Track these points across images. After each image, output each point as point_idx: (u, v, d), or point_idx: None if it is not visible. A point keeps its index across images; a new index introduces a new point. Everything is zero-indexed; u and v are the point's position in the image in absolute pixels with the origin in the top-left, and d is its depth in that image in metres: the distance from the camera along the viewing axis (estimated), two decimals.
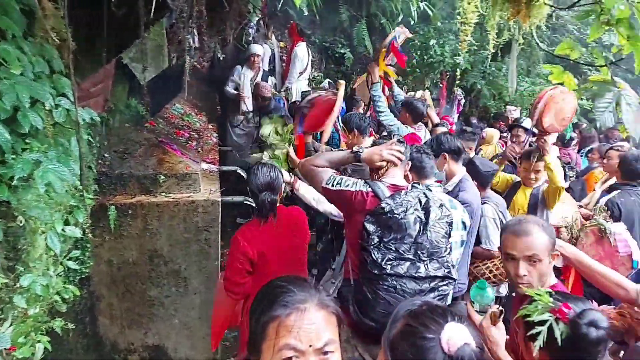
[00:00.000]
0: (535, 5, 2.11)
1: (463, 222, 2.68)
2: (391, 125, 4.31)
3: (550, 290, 1.67)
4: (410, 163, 2.58)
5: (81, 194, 2.73)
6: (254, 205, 4.15)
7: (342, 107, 6.15)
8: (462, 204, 2.76)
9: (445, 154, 3.06)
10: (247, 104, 6.13)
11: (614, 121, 1.93)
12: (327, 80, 7.67)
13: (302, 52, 6.73)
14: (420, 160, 2.80)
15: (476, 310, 1.91)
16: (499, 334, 1.74)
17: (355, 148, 2.44)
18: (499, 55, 8.36)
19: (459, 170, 3.10)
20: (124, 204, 3.50)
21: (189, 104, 6.14)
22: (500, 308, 1.77)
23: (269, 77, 6.70)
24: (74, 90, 2.30)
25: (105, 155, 3.69)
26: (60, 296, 2.80)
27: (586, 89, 2.04)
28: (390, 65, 4.68)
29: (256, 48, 6.11)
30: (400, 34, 4.29)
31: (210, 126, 6.16)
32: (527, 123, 5.12)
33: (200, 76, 7.57)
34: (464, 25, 2.09)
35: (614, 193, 3.98)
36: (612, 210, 3.73)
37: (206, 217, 3.68)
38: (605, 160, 4.72)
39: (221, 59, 6.63)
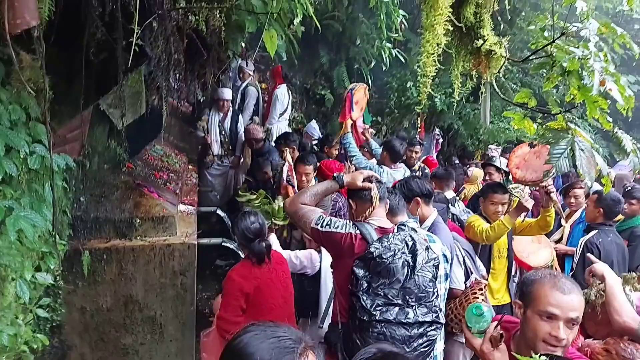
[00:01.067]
0: (493, 58, 2.25)
1: (444, 255, 2.68)
2: (363, 167, 4.43)
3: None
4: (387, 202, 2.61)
5: (54, 240, 2.70)
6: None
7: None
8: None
9: (418, 198, 3.10)
10: (215, 147, 6.19)
11: (569, 167, 2.03)
12: (314, 120, 7.83)
13: (283, 94, 6.91)
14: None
15: (474, 333, 1.79)
16: (501, 358, 1.65)
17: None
18: (473, 97, 8.68)
19: (431, 213, 3.16)
20: (98, 249, 3.46)
21: (169, 144, 6.18)
22: (501, 332, 1.69)
23: (253, 116, 6.84)
24: (49, 138, 2.32)
25: (81, 199, 3.67)
26: (29, 346, 2.72)
27: (543, 136, 2.15)
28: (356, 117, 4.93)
29: (226, 92, 6.16)
30: (355, 87, 4.59)
31: (190, 166, 6.19)
32: (499, 162, 5.30)
33: (182, 117, 7.67)
34: (423, 78, 2.20)
35: (592, 233, 4.07)
36: (591, 250, 3.81)
37: (183, 261, 3.64)
38: (572, 200, 4.86)
39: (201, 100, 6.78)
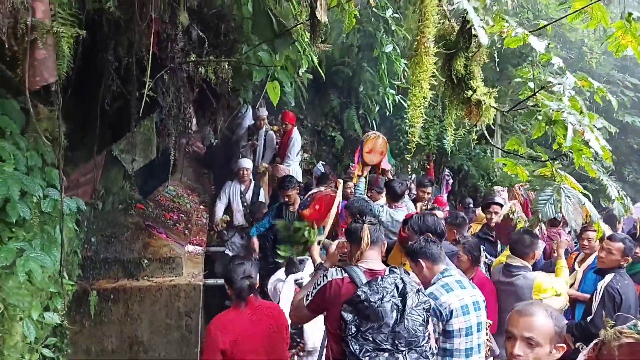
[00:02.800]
0: (483, 108, 2.34)
1: (477, 302, 2.66)
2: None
3: None
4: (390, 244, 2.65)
5: (61, 280, 2.80)
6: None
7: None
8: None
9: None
10: (238, 218, 5.84)
11: (555, 212, 2.06)
12: (321, 162, 7.99)
13: (298, 136, 7.12)
14: (427, 248, 2.74)
15: None
16: None
17: (318, 262, 2.55)
18: (484, 139, 8.76)
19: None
20: (106, 289, 3.54)
21: (182, 185, 6.36)
22: None
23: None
24: (61, 182, 2.46)
25: (92, 239, 3.80)
26: None
27: (531, 183, 2.19)
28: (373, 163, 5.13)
29: (245, 162, 6.04)
30: (366, 138, 4.78)
31: (202, 207, 6.33)
32: (500, 198, 5.32)
33: (196, 157, 7.91)
34: (411, 128, 2.30)
35: (609, 277, 3.97)
36: (613, 296, 3.72)
37: (188, 302, 3.70)
38: (585, 242, 4.79)
39: (214, 143, 7.00)
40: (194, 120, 5.72)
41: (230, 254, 5.30)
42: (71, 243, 3.29)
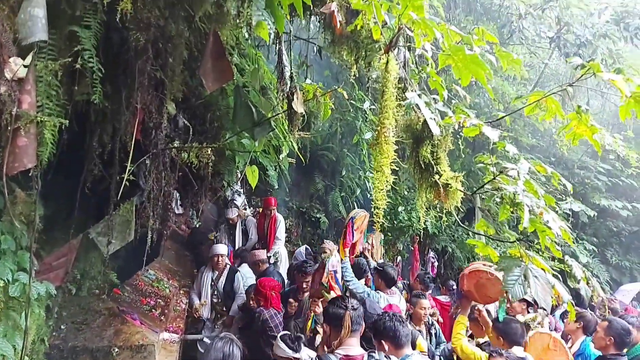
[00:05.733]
0: (450, 191, 2.45)
1: None
2: (360, 292, 4.40)
3: None
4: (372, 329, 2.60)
5: None
6: None
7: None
8: None
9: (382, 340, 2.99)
10: (205, 312, 5.36)
11: (524, 293, 2.09)
12: (305, 245, 7.98)
13: (282, 218, 7.20)
14: (394, 330, 2.66)
15: None
16: None
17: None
18: (467, 220, 8.91)
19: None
20: None
21: (163, 268, 6.23)
22: None
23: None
24: (31, 267, 2.44)
25: (62, 327, 3.65)
26: None
27: (497, 264, 2.26)
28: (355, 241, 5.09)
29: (219, 248, 5.55)
30: (357, 214, 4.80)
31: (182, 291, 6.15)
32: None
33: (179, 240, 7.85)
34: (376, 210, 2.39)
35: None
36: None
37: None
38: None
39: (197, 226, 7.01)
40: (178, 203, 5.78)
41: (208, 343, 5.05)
42: (39, 330, 3.16)
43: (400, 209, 8.31)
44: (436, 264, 8.98)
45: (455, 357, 3.91)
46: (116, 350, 3.60)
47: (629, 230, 11.21)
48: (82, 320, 3.85)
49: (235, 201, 6.78)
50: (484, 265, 3.48)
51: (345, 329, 2.46)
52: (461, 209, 7.07)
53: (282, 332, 3.34)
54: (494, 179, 2.25)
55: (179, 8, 2.92)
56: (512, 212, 2.31)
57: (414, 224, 8.25)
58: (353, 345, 2.45)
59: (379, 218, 2.34)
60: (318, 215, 9.14)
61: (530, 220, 2.14)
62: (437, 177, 2.51)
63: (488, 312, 3.97)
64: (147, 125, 3.27)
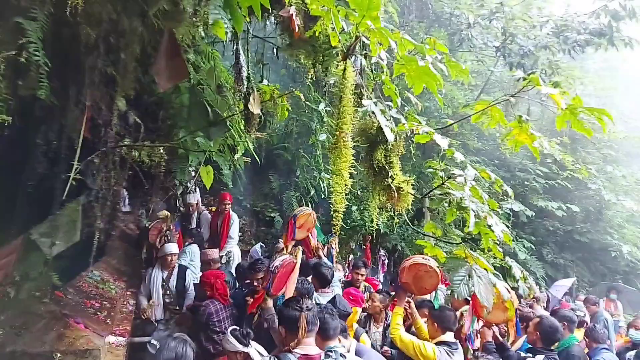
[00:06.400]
0: (402, 194, 2.56)
1: None
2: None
3: None
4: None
5: None
6: None
7: None
8: None
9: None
10: (157, 312, 5.23)
11: (469, 293, 2.22)
12: (260, 243, 7.96)
13: (236, 216, 7.10)
14: (323, 322, 2.74)
15: None
16: None
17: None
18: (416, 219, 9.21)
19: (350, 344, 3.15)
20: None
21: (109, 268, 6.00)
22: None
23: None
24: None
25: None
26: None
27: (445, 264, 2.39)
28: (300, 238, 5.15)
29: (171, 247, 5.37)
30: (299, 213, 4.88)
31: (128, 292, 5.95)
32: None
33: (128, 239, 7.58)
34: (335, 213, 2.45)
35: (540, 358, 4.15)
36: None
37: None
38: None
39: (147, 225, 6.80)
40: (126, 201, 5.58)
41: (157, 345, 4.91)
42: None
43: (353, 208, 8.47)
44: (386, 261, 9.22)
45: None
46: (59, 355, 3.44)
47: (563, 229, 12.00)
48: (21, 324, 3.65)
49: (189, 200, 6.63)
50: (423, 258, 3.66)
51: (302, 330, 2.50)
52: (411, 210, 7.31)
53: (231, 327, 3.32)
54: (443, 184, 2.38)
55: (133, 3, 2.84)
56: (458, 214, 2.44)
57: (366, 224, 8.44)
58: (310, 345, 2.49)
59: (338, 221, 2.40)
60: (272, 215, 9.14)
61: (475, 224, 2.27)
62: (390, 180, 2.60)
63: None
64: (96, 122, 3.16)
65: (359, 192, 8.87)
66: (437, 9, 9.88)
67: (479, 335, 4.21)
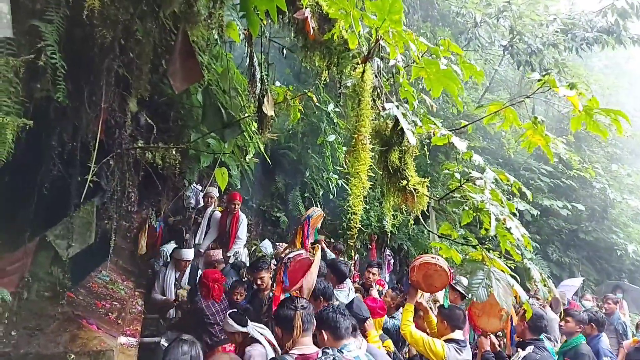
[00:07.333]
0: (417, 195, 2.55)
1: None
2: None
3: None
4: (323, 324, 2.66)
5: None
6: None
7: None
8: None
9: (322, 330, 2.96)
10: (172, 312, 5.53)
11: (487, 295, 2.22)
12: (267, 239, 7.99)
13: (244, 216, 7.11)
14: (335, 321, 2.73)
15: None
16: None
17: None
18: (422, 218, 9.20)
19: (360, 344, 3.15)
20: None
21: (117, 269, 6.01)
22: None
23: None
24: None
25: (12, 333, 3.45)
26: None
27: (462, 266, 2.39)
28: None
29: (189, 253, 5.70)
30: (314, 213, 4.88)
31: (137, 292, 5.97)
32: None
33: (134, 240, 7.60)
34: (353, 215, 2.45)
35: (529, 349, 4.16)
36: None
37: None
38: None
39: (157, 227, 6.83)
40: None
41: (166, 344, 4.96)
42: None
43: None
44: (392, 261, 9.23)
45: None
46: (73, 356, 3.45)
47: (568, 228, 11.98)
48: (34, 325, 3.66)
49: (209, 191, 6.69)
50: (432, 257, 3.72)
51: (297, 329, 2.52)
52: (416, 211, 7.32)
53: (230, 311, 3.54)
54: (460, 186, 2.37)
55: (147, 5, 2.84)
56: (475, 216, 2.44)
57: (372, 224, 8.44)
58: (307, 345, 2.51)
59: (356, 223, 2.40)
60: (278, 215, 9.14)
61: (495, 227, 2.27)
62: (405, 182, 2.60)
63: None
64: (110, 124, 3.16)
65: (366, 192, 8.87)
66: (444, 8, 9.85)
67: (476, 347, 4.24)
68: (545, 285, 2.31)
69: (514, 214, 2.46)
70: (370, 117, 2.32)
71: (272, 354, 3.06)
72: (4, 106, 2.28)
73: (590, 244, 12.05)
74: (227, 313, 3.44)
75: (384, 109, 2.35)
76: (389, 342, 4.18)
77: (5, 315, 3.41)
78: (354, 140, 2.29)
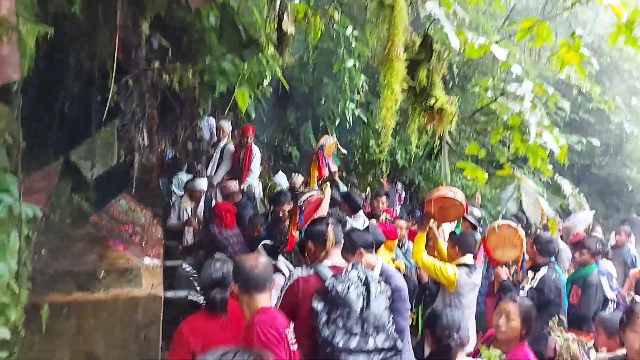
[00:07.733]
0: (445, 115, 2.50)
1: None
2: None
3: None
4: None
5: (14, 292, 2.63)
6: (197, 301, 4.10)
7: None
8: (395, 290, 2.86)
9: (360, 248, 3.09)
10: (188, 237, 5.74)
11: (517, 208, 2.23)
12: (280, 171, 8.04)
13: (257, 149, 7.11)
14: (351, 238, 2.96)
15: None
16: None
17: None
18: (434, 154, 9.15)
19: (377, 260, 3.24)
20: (58, 303, 3.34)
21: (135, 199, 6.13)
22: None
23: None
24: (20, 188, 2.35)
25: (42, 251, 3.59)
26: None
27: (493, 183, 2.38)
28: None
29: (202, 183, 5.97)
30: (327, 141, 4.81)
31: (155, 221, 6.12)
32: None
33: (149, 171, 7.67)
34: (384, 129, 2.42)
35: (544, 269, 4.26)
36: (550, 287, 4.05)
37: (147, 315, 3.55)
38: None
39: (170, 156, 6.85)
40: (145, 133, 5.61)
41: (188, 269, 5.16)
42: (22, 253, 3.10)
43: (371, 142, 8.41)
44: (403, 195, 9.31)
45: None
46: (102, 273, 3.60)
47: (581, 163, 11.90)
48: (60, 245, 3.80)
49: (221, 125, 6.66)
50: (450, 191, 3.75)
51: (330, 241, 2.61)
52: (430, 143, 7.23)
53: (263, 242, 3.69)
54: (495, 100, 2.31)
55: None
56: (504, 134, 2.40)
57: (385, 157, 8.41)
58: (338, 256, 2.61)
59: (387, 137, 2.38)
60: (290, 149, 9.10)
61: (523, 143, 2.23)
62: (432, 101, 2.53)
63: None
64: (126, 44, 3.07)
65: (377, 126, 8.76)
66: None
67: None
68: (576, 199, 2.31)
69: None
70: (405, 26, 2.21)
71: None
72: (22, 17, 2.20)
73: (602, 179, 12.00)
74: (261, 244, 3.61)
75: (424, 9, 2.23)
76: (400, 262, 4.31)
77: (35, 235, 3.51)
78: (386, 50, 2.20)
